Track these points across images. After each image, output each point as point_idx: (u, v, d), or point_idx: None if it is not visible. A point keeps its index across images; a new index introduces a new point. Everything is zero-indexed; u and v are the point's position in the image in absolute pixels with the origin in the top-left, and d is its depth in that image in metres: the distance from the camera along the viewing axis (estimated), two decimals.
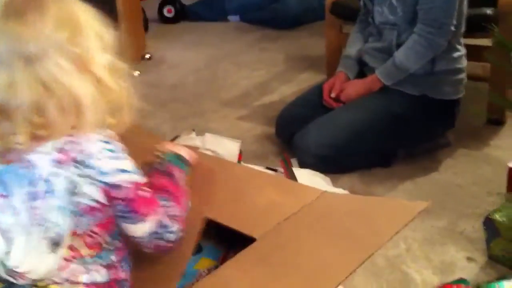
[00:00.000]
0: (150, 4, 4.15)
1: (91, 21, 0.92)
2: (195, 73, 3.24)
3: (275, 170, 1.81)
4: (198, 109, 2.74)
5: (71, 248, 0.91)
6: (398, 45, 2.03)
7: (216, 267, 1.37)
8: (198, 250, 1.44)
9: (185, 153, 1.20)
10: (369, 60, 2.15)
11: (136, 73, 3.17)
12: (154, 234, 0.98)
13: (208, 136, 1.86)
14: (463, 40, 2.08)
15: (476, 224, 1.71)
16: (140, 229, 0.96)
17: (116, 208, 0.94)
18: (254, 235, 1.22)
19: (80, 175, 0.89)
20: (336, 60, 2.49)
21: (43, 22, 0.86)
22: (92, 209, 0.91)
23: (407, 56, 1.98)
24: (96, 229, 0.93)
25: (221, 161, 1.65)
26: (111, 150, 0.91)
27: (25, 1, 0.87)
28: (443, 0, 1.92)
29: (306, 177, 1.72)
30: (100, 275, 0.95)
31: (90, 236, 0.92)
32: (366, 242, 1.14)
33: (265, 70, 3.21)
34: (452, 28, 1.95)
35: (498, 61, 1.55)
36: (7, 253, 0.91)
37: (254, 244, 1.22)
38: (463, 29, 2.03)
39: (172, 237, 1.01)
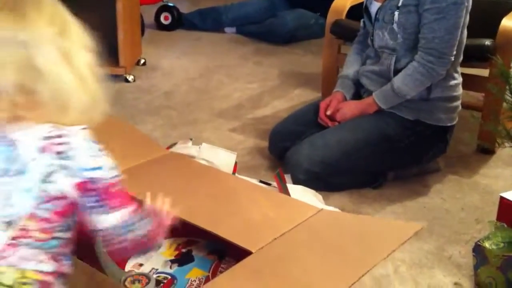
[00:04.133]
0: (147, 9, 4.16)
1: (75, 23, 1.00)
2: (189, 81, 3.25)
3: (268, 184, 1.82)
4: (190, 118, 2.75)
5: (22, 229, 0.94)
6: (396, 70, 2.06)
7: (207, 277, 1.38)
8: (190, 260, 1.45)
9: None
10: (366, 82, 2.17)
11: (131, 77, 3.18)
12: (124, 227, 1.00)
13: (204, 146, 1.87)
14: (460, 69, 2.11)
15: (463, 250, 1.73)
16: (111, 219, 0.99)
17: (88, 199, 0.97)
18: (250, 249, 1.23)
19: (58, 166, 0.93)
20: (332, 80, 2.52)
21: (39, 16, 0.93)
22: (57, 198, 0.95)
23: (405, 82, 2.01)
24: (53, 216, 0.96)
25: (217, 172, 1.66)
26: (91, 147, 0.96)
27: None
28: (446, 31, 1.95)
29: (299, 193, 1.73)
30: (45, 264, 0.97)
31: (46, 221, 0.95)
32: (360, 260, 1.16)
33: (258, 83, 3.23)
34: (452, 58, 1.98)
35: (499, 91, 1.58)
36: None
37: (249, 258, 1.23)
38: (461, 58, 2.06)
39: (141, 232, 1.02)
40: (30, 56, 0.91)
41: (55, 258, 0.98)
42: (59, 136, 0.94)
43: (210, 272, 1.40)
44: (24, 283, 0.95)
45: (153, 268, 1.41)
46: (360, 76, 2.20)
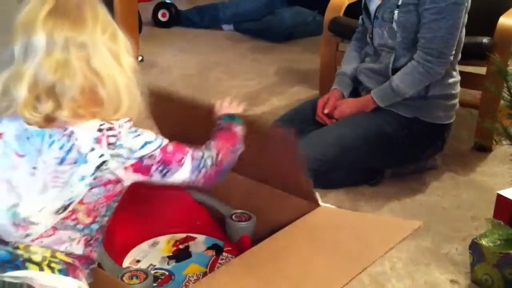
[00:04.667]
0: (145, 6, 4.15)
1: (121, 32, 1.10)
2: (186, 78, 3.25)
3: None
4: None
5: (73, 210, 1.04)
6: (394, 69, 2.06)
7: (204, 273, 1.38)
8: (187, 256, 1.46)
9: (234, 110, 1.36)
10: (364, 80, 2.17)
11: None
12: (195, 169, 1.13)
13: None
14: (458, 67, 2.12)
15: (460, 247, 1.74)
16: (183, 174, 1.12)
17: (156, 174, 1.10)
18: None
19: (110, 155, 1.04)
20: (329, 77, 2.51)
21: (95, 22, 1.04)
22: (108, 182, 1.06)
23: (404, 81, 2.01)
24: (102, 200, 1.07)
25: None
26: (133, 130, 1.07)
27: (81, 5, 1.05)
28: (446, 31, 1.96)
29: None
30: (77, 247, 1.07)
31: (94, 205, 1.06)
32: (359, 256, 1.16)
33: (256, 81, 3.23)
34: (451, 58, 1.99)
35: (497, 89, 1.58)
36: (15, 205, 1.03)
37: (246, 253, 1.24)
38: (459, 56, 2.07)
39: (209, 162, 1.15)
40: (89, 57, 1.02)
41: (88, 242, 1.09)
42: (110, 129, 1.04)
43: (208, 268, 1.41)
44: (51, 262, 1.03)
45: (150, 264, 1.41)
46: (358, 73, 2.21)
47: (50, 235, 1.05)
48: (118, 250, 1.41)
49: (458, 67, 2.12)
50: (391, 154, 2.09)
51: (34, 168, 1.03)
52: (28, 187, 1.03)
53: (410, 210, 1.97)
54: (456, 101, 2.12)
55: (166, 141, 1.11)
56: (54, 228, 1.05)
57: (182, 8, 4.35)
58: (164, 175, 1.11)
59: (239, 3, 4.24)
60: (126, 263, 1.40)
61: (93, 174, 1.03)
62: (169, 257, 1.44)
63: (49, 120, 1.02)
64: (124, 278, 1.23)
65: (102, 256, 1.27)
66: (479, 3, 2.15)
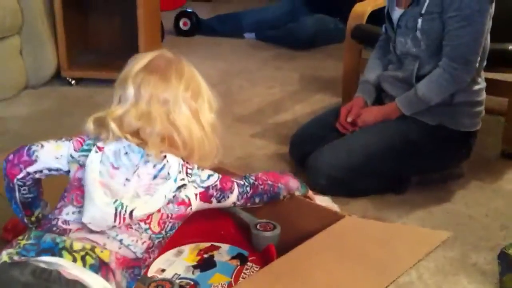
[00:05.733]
0: (167, 15, 4.17)
1: (207, 90, 1.31)
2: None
3: None
4: None
5: (149, 215, 1.21)
6: (418, 77, 2.04)
7: (229, 283, 1.38)
8: (212, 265, 1.45)
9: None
10: (388, 88, 2.16)
11: None
12: (241, 194, 1.37)
13: None
14: (483, 74, 2.09)
15: (488, 257, 1.71)
16: (233, 197, 1.36)
17: (214, 200, 1.32)
18: None
19: (189, 181, 1.26)
20: (352, 84, 2.51)
21: (179, 82, 1.23)
22: (181, 203, 1.25)
23: (430, 89, 1.99)
24: (173, 216, 1.24)
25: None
26: (202, 169, 1.31)
27: (168, 65, 1.25)
28: (471, 38, 1.94)
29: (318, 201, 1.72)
30: (141, 246, 1.20)
31: (166, 218, 1.23)
32: (387, 268, 1.14)
33: (279, 88, 3.22)
34: (477, 65, 1.97)
35: None
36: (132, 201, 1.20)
37: (272, 264, 1.23)
38: (484, 63, 2.04)
39: (248, 188, 1.39)
40: (169, 111, 1.21)
41: (149, 248, 1.22)
42: (187, 163, 1.27)
43: (233, 277, 1.40)
44: (87, 255, 1.11)
45: (175, 274, 1.41)
46: (381, 81, 2.19)
47: (120, 231, 1.19)
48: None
49: (483, 74, 2.10)
50: (417, 162, 2.07)
51: (127, 180, 1.21)
52: (122, 195, 1.19)
53: (436, 218, 1.95)
54: (482, 108, 2.09)
55: (221, 175, 1.33)
56: (128, 226, 1.19)
57: (203, 16, 4.37)
58: (219, 201, 1.33)
59: (261, 11, 4.24)
60: (151, 272, 1.40)
61: (174, 191, 1.23)
62: (194, 267, 1.44)
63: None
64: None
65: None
66: (505, 8, 2.12)
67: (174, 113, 1.21)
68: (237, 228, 1.57)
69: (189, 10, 4.31)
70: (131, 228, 1.19)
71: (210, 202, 1.31)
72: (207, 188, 1.30)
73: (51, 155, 1.26)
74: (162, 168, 1.22)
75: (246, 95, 3.13)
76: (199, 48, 4.01)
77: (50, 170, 1.27)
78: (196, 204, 1.28)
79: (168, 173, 1.22)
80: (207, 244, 1.52)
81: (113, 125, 1.20)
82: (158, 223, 1.22)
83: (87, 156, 1.23)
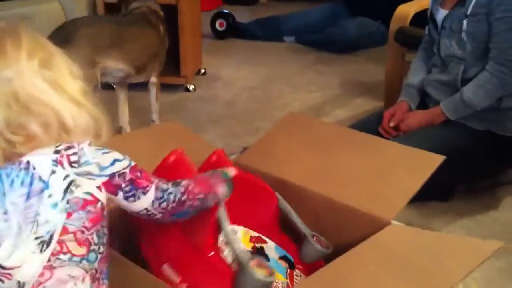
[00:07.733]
0: (204, 18, 4.18)
1: (62, 54, 1.01)
2: (249, 91, 3.24)
3: None
4: (251, 127, 2.74)
5: (60, 242, 0.93)
6: (463, 80, 1.99)
7: (287, 284, 1.33)
8: (266, 258, 1.35)
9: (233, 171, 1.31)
10: (432, 91, 2.11)
11: (191, 87, 3.20)
12: (157, 200, 1.08)
13: None
14: None
15: None
16: (146, 201, 1.06)
17: (121, 193, 1.03)
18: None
19: (78, 174, 0.95)
20: (395, 88, 2.46)
21: (18, 51, 0.94)
22: (86, 203, 0.96)
23: (476, 93, 1.94)
24: (88, 224, 0.96)
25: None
26: (99, 150, 1.01)
27: (2, 35, 0.96)
28: None
29: None
30: (84, 285, 0.96)
31: (82, 231, 0.95)
32: (435, 280, 1.10)
33: (319, 93, 3.19)
34: None
35: None
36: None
37: (317, 273, 1.20)
38: None
39: (171, 197, 1.10)
40: (16, 91, 0.92)
41: (94, 276, 0.98)
42: (69, 148, 0.95)
43: (288, 279, 1.35)
44: None
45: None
46: (426, 85, 2.14)
47: (48, 278, 0.93)
48: (212, 229, 1.32)
49: None
50: (463, 168, 2.00)
51: (5, 213, 0.92)
52: (5, 234, 0.92)
53: (483, 227, 1.89)
54: None
55: (134, 162, 1.05)
56: (50, 267, 0.93)
57: (243, 20, 4.37)
58: (127, 198, 1.05)
59: (302, 15, 4.22)
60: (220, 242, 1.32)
61: (63, 198, 0.94)
62: (251, 252, 1.33)
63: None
64: (251, 264, 1.19)
65: (231, 236, 1.27)
66: None
67: (24, 90, 0.92)
68: (282, 230, 1.52)
69: (226, 11, 4.34)
70: (54, 268, 0.93)
71: (116, 194, 1.03)
72: (112, 176, 1.00)
73: None
74: (32, 181, 0.93)
75: (286, 99, 3.11)
76: (238, 52, 4.01)
77: None
78: (104, 197, 1.00)
79: (42, 182, 0.93)
80: (256, 234, 1.42)
81: None
82: (78, 243, 0.95)
83: None
